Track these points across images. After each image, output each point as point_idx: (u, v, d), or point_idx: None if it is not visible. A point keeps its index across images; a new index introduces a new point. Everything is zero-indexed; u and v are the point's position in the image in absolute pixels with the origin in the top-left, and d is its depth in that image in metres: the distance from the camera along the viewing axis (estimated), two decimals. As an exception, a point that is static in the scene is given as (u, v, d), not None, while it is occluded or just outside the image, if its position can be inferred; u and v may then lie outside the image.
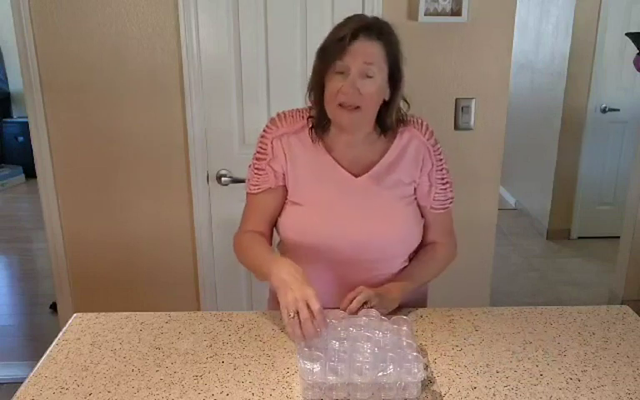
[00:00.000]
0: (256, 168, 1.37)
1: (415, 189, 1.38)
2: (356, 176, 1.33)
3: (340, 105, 1.24)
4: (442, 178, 1.39)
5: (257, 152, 1.37)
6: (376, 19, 1.27)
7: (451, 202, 1.42)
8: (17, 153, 5.96)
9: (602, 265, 3.94)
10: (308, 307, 1.12)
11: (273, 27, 2.14)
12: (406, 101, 1.34)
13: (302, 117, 1.35)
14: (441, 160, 1.38)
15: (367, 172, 1.33)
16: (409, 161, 1.35)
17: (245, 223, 1.41)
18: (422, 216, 1.41)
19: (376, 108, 1.29)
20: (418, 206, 1.40)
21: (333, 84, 1.24)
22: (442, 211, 1.40)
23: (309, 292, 1.14)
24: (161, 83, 2.16)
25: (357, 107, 1.24)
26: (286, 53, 2.15)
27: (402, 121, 1.35)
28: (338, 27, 1.26)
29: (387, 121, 1.32)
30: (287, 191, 1.37)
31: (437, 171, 1.37)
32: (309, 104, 1.34)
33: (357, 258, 1.33)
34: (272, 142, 1.35)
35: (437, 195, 1.38)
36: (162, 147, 2.22)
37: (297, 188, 1.35)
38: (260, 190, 1.36)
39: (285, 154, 1.34)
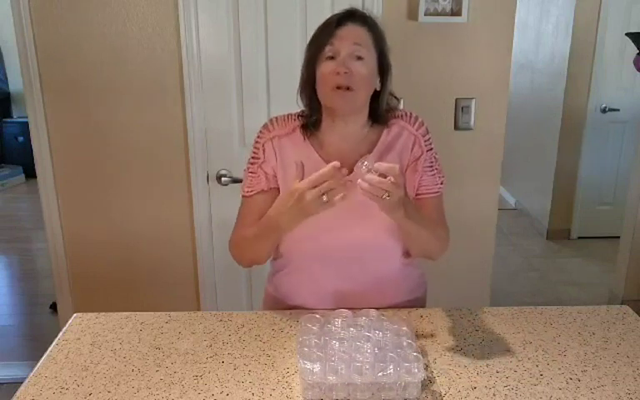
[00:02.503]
0: (250, 172, 1.38)
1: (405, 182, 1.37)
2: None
3: (334, 88, 1.25)
4: (431, 165, 1.37)
5: (251, 156, 1.39)
6: (359, 10, 1.30)
7: (439, 190, 1.38)
8: (17, 153, 5.97)
9: (602, 265, 3.95)
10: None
11: (273, 27, 2.14)
12: (395, 96, 1.36)
13: (294, 119, 1.37)
14: (431, 149, 1.38)
15: None
16: (397, 153, 1.35)
17: (240, 224, 1.41)
18: None
19: (368, 93, 1.30)
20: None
21: (325, 68, 1.26)
22: (429, 196, 1.37)
23: (300, 186, 1.18)
24: (161, 83, 2.16)
25: (350, 89, 1.26)
26: (286, 53, 2.15)
27: (391, 110, 1.36)
28: (324, 22, 1.30)
29: (378, 110, 1.34)
30: (279, 192, 1.37)
31: (425, 158, 1.36)
32: (302, 106, 1.36)
33: (351, 256, 1.33)
34: (263, 146, 1.36)
35: (423, 181, 1.37)
36: (162, 147, 2.22)
37: (286, 189, 1.35)
38: (253, 192, 1.37)
39: (276, 156, 1.36)
